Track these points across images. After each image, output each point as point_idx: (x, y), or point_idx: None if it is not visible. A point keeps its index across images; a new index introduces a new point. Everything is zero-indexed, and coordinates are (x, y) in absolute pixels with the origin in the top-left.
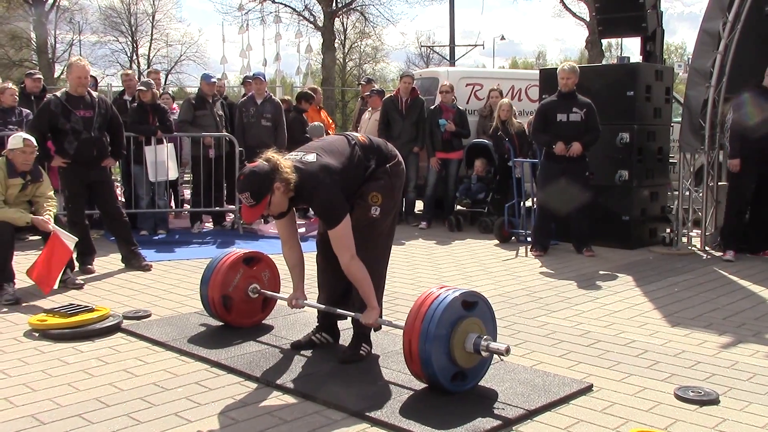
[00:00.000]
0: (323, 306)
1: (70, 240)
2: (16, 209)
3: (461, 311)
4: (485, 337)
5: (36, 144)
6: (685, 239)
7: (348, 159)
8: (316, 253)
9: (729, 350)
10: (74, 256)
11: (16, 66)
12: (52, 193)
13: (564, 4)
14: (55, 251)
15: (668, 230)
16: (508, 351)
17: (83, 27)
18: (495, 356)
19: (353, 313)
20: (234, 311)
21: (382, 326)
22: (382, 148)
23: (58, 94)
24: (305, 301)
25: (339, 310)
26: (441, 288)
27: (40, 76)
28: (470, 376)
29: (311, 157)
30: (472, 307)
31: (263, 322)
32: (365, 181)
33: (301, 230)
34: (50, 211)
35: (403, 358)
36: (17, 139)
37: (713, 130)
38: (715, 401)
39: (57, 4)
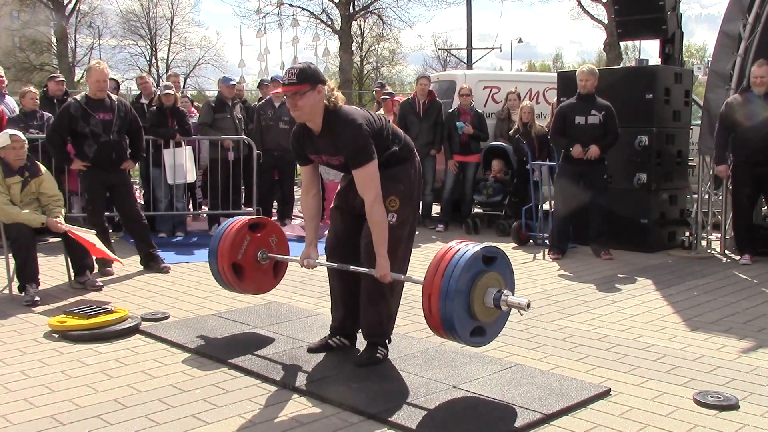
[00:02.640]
0: (336, 264)
1: (87, 233)
2: (30, 211)
3: (481, 266)
4: (505, 291)
5: (23, 138)
6: (704, 242)
7: (379, 129)
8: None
9: (749, 355)
10: (94, 259)
11: (36, 70)
12: (57, 190)
13: (582, 7)
14: (86, 243)
15: (687, 233)
16: (528, 306)
17: (103, 31)
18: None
19: (366, 269)
20: (246, 279)
21: (391, 340)
22: (408, 142)
23: (78, 97)
24: (318, 261)
25: (352, 267)
26: (461, 242)
27: (63, 80)
28: (488, 331)
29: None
30: (492, 261)
31: (278, 332)
32: (384, 167)
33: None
34: (60, 211)
35: (419, 362)
36: (3, 137)
37: None
38: (734, 406)
39: (77, 8)
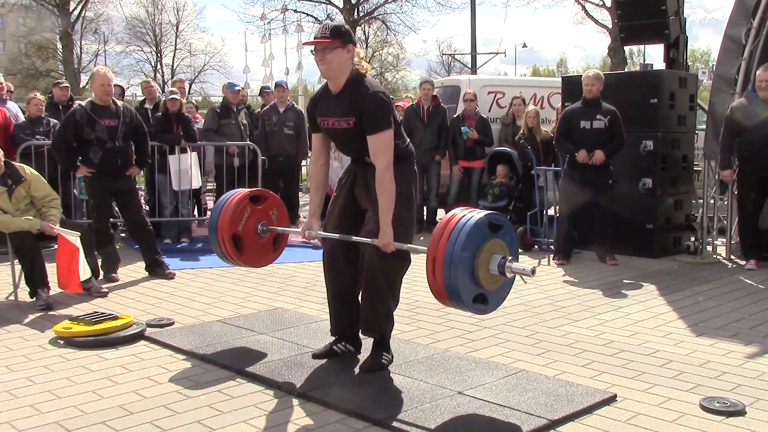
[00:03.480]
0: (337, 235)
1: (73, 236)
2: (25, 218)
3: (487, 232)
4: (510, 258)
5: None
6: (709, 248)
7: (394, 112)
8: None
9: (755, 360)
10: (99, 263)
11: (42, 76)
12: (48, 189)
13: (586, 12)
14: (65, 253)
15: (693, 239)
16: (533, 271)
17: (108, 37)
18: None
19: (369, 239)
20: (246, 251)
21: (393, 335)
22: (409, 144)
23: (84, 103)
24: (319, 232)
25: (354, 237)
26: (464, 209)
27: (68, 85)
28: (491, 300)
29: None
30: (498, 229)
31: (283, 338)
32: (396, 163)
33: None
34: (54, 213)
35: (424, 368)
36: None
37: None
38: (741, 412)
39: (83, 15)
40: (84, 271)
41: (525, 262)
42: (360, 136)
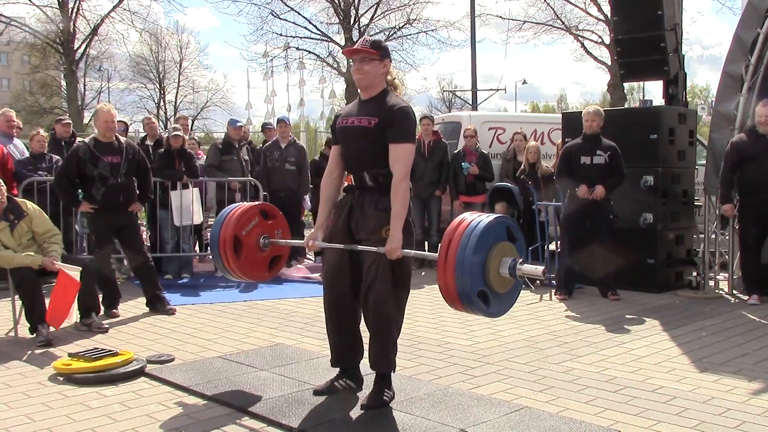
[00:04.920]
0: (341, 245)
1: (74, 271)
2: (27, 254)
3: (503, 235)
4: (521, 260)
5: (0, 181)
6: (712, 283)
7: None
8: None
9: (760, 397)
10: (100, 299)
11: (46, 113)
12: (49, 225)
13: (585, 49)
14: (63, 288)
15: (695, 273)
16: (544, 273)
17: (112, 74)
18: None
19: (374, 248)
20: (243, 257)
21: (396, 370)
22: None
23: (87, 140)
24: (323, 243)
25: (359, 246)
26: (474, 213)
27: (70, 122)
28: (493, 301)
29: None
30: (513, 237)
31: (284, 374)
32: (385, 191)
33: (296, 273)
34: (56, 249)
35: (426, 405)
36: None
37: None
38: None
39: (87, 53)
40: (73, 313)
41: (526, 297)
42: (374, 139)
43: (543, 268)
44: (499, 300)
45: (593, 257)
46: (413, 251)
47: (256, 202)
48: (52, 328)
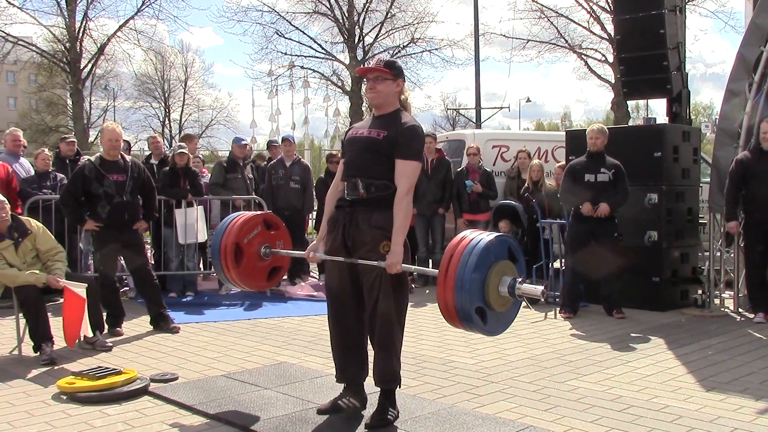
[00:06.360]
0: (342, 258)
1: (80, 288)
2: (31, 272)
3: (504, 253)
4: (520, 279)
5: (2, 198)
6: (717, 301)
7: None
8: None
9: (767, 416)
10: (104, 317)
11: (52, 132)
12: (53, 243)
13: (589, 67)
14: (71, 305)
15: (700, 292)
16: (543, 293)
17: (117, 93)
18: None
19: (375, 262)
20: (243, 265)
21: (401, 384)
22: None
23: (92, 158)
24: (322, 255)
25: (360, 261)
26: (474, 231)
27: (74, 140)
28: (490, 318)
29: None
30: (514, 257)
31: (288, 393)
32: (387, 206)
33: (300, 291)
34: (60, 267)
35: (431, 424)
36: None
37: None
38: None
39: (93, 72)
40: (86, 327)
41: (531, 315)
42: (379, 150)
43: (542, 288)
44: (496, 318)
45: (598, 275)
46: (413, 267)
47: (260, 212)
48: (56, 347)
